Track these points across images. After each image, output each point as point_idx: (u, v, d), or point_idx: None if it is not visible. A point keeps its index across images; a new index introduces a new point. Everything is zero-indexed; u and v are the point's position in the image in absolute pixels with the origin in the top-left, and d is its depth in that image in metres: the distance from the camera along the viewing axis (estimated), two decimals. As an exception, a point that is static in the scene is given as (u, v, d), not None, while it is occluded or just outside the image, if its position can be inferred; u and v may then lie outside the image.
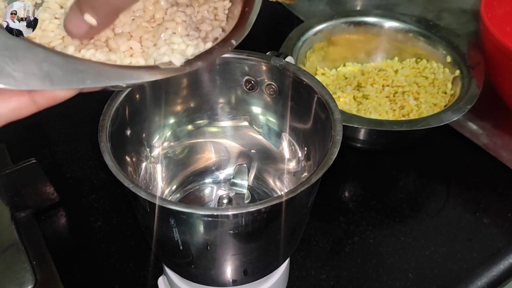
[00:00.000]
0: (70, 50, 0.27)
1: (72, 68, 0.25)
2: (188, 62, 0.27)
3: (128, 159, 0.37)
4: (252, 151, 0.44)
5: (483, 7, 0.56)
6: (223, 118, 0.42)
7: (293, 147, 0.41)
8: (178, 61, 0.27)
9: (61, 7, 0.29)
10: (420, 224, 0.51)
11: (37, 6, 0.29)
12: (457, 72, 0.58)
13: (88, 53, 0.27)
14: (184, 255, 0.34)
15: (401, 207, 0.52)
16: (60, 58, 0.25)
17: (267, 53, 0.41)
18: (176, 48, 0.28)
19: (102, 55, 0.28)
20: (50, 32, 0.28)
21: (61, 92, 0.26)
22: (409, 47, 0.63)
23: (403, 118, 0.57)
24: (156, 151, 0.41)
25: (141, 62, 0.28)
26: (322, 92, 0.36)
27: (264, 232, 0.32)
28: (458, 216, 0.51)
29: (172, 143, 0.42)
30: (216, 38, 0.30)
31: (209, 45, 0.29)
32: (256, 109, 0.41)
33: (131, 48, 0.29)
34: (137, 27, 0.29)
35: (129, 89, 0.35)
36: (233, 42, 0.29)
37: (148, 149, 0.40)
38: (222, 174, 0.44)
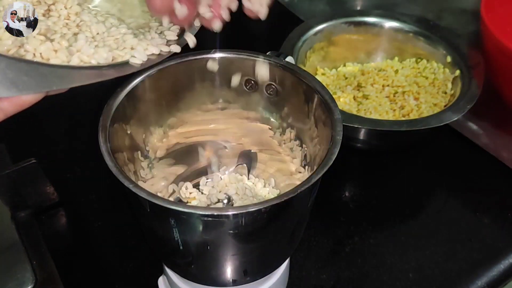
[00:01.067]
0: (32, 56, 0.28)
1: (37, 72, 0.26)
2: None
3: (128, 159, 0.37)
4: (252, 150, 0.44)
5: (483, 7, 0.56)
6: (223, 117, 0.42)
7: (293, 147, 0.41)
8: (138, 60, 0.31)
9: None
10: (420, 224, 0.51)
11: None
12: (457, 72, 0.58)
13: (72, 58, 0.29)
14: (184, 255, 0.34)
15: (401, 207, 0.52)
16: (23, 64, 0.26)
17: (267, 53, 0.40)
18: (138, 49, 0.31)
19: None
20: (6, 40, 0.28)
21: (27, 97, 0.27)
22: (409, 47, 0.63)
23: (403, 118, 0.57)
24: (156, 151, 0.41)
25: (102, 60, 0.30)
26: (322, 92, 0.36)
27: (264, 232, 0.32)
28: (458, 216, 0.51)
29: (172, 143, 0.42)
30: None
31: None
32: (256, 109, 0.41)
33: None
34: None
35: (129, 89, 0.35)
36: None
37: (148, 149, 0.40)
38: (222, 174, 0.44)
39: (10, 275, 0.41)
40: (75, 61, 0.28)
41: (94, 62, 0.29)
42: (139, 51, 0.31)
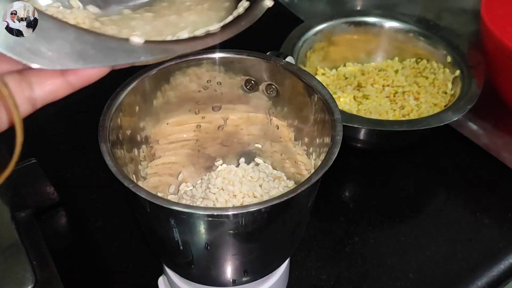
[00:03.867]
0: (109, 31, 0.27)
1: (104, 46, 0.26)
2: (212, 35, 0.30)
3: (128, 159, 0.37)
4: (252, 150, 0.44)
5: (483, 7, 0.56)
6: (223, 117, 0.42)
7: (293, 147, 0.41)
8: (213, 27, 0.29)
9: None
10: (420, 224, 0.51)
11: None
12: (457, 72, 0.58)
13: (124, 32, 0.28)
14: (184, 255, 0.34)
15: (401, 207, 0.52)
16: (91, 37, 0.26)
17: (267, 53, 0.40)
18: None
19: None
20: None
21: (94, 71, 0.26)
22: (409, 47, 0.63)
23: (403, 118, 0.57)
24: (157, 150, 0.41)
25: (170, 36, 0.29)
26: (322, 92, 0.36)
27: (264, 232, 0.32)
28: (458, 216, 0.51)
29: (173, 142, 0.42)
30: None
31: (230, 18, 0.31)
32: (256, 109, 0.41)
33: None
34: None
35: (129, 89, 0.35)
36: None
37: (148, 149, 0.40)
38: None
39: (10, 275, 0.41)
40: (143, 37, 0.28)
41: (160, 38, 0.29)
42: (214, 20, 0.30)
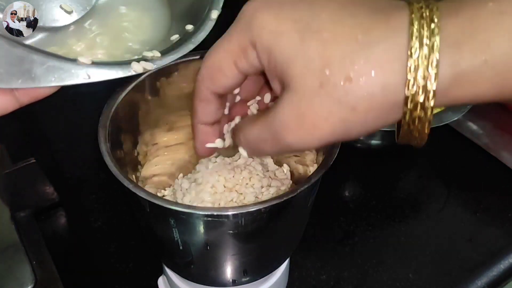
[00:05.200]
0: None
1: (52, 66, 0.26)
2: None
3: (127, 159, 0.36)
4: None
5: (483, 7, 0.56)
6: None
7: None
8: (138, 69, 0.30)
9: None
10: (420, 224, 0.51)
11: None
12: (457, 72, 0.57)
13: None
14: (184, 255, 0.34)
15: (401, 207, 0.52)
16: (40, 56, 0.26)
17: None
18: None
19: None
20: None
21: (42, 90, 0.27)
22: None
23: (403, 118, 0.56)
24: (157, 150, 0.41)
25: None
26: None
27: (264, 232, 0.32)
28: (458, 216, 0.51)
29: (172, 142, 0.42)
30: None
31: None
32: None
33: None
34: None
35: (129, 89, 0.35)
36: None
37: (148, 149, 0.40)
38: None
39: (10, 275, 0.41)
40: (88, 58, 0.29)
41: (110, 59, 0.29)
42: (156, 54, 0.31)
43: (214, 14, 0.33)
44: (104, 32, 0.32)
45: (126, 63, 0.30)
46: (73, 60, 0.27)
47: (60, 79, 0.26)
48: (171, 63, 0.33)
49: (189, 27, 0.33)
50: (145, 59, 0.30)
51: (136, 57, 0.31)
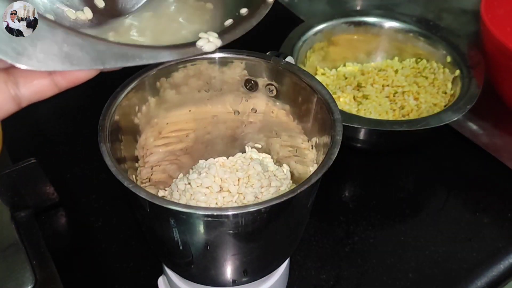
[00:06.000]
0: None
1: (92, 48, 0.26)
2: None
3: (128, 159, 0.37)
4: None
5: (483, 7, 0.56)
6: (223, 117, 0.42)
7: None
8: (211, 47, 0.29)
9: None
10: (420, 224, 0.51)
11: None
12: (457, 72, 0.58)
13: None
14: (184, 255, 0.34)
15: (401, 207, 0.52)
16: (80, 39, 0.25)
17: (267, 53, 0.41)
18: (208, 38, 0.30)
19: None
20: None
21: (81, 73, 0.26)
22: (409, 47, 0.63)
23: (403, 118, 0.57)
24: (157, 150, 0.41)
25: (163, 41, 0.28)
26: (322, 92, 0.36)
27: (264, 232, 0.32)
28: (458, 216, 0.51)
29: (172, 141, 0.42)
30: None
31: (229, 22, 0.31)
32: (256, 109, 0.41)
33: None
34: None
35: (129, 89, 0.35)
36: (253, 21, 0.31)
37: (148, 149, 0.40)
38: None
39: (10, 275, 0.41)
40: (132, 40, 0.28)
41: (150, 43, 0.29)
42: (213, 35, 0.30)
43: None
44: (158, 21, 0.32)
45: (188, 44, 0.29)
46: (115, 43, 0.27)
47: (99, 63, 0.26)
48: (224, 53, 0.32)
49: (244, 10, 0.32)
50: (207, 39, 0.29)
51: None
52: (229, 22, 0.31)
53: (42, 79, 0.26)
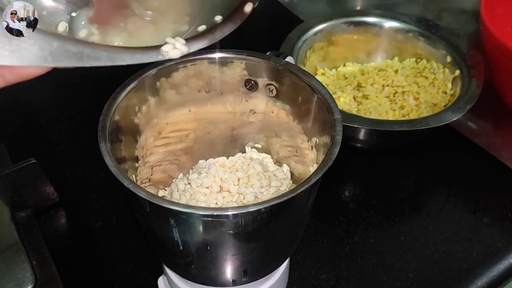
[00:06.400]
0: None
1: (45, 45, 0.24)
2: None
3: (128, 159, 0.37)
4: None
5: (483, 7, 0.56)
6: (224, 117, 0.42)
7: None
8: (175, 54, 0.27)
9: None
10: (420, 224, 0.51)
11: None
12: (457, 72, 0.58)
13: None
14: (184, 255, 0.34)
15: (401, 207, 0.52)
16: (33, 34, 0.24)
17: (267, 53, 0.41)
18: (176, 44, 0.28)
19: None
20: None
21: (30, 69, 0.25)
22: (409, 47, 0.63)
23: (403, 118, 0.57)
24: (156, 151, 0.41)
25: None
26: (322, 92, 0.36)
27: (264, 232, 0.32)
28: (458, 216, 0.51)
29: (172, 142, 0.42)
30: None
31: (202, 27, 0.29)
32: (256, 109, 0.41)
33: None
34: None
35: (129, 89, 0.35)
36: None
37: (147, 149, 0.40)
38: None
39: (10, 275, 0.41)
40: (90, 38, 0.27)
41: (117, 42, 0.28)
42: (180, 41, 0.29)
43: (248, 7, 0.30)
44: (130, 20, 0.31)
45: (152, 48, 0.28)
46: (69, 38, 0.26)
47: (53, 60, 0.25)
48: (191, 57, 0.30)
49: (218, 18, 0.31)
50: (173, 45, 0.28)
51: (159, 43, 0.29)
52: (202, 28, 0.30)
53: None
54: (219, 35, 0.30)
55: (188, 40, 0.29)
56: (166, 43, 0.28)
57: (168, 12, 0.32)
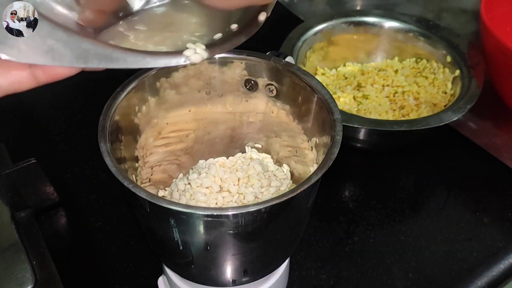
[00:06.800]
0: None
1: (76, 46, 0.25)
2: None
3: (128, 159, 0.37)
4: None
5: (483, 7, 0.56)
6: (224, 117, 0.42)
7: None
8: (197, 59, 0.28)
9: None
10: (420, 224, 0.51)
11: None
12: (457, 72, 0.58)
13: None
14: (184, 255, 0.34)
15: (401, 207, 0.52)
16: (65, 35, 0.25)
17: (267, 53, 0.41)
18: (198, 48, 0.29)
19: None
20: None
21: (62, 69, 0.26)
22: (409, 47, 0.63)
23: (403, 118, 0.57)
24: (156, 151, 0.41)
25: (150, 47, 0.28)
26: (322, 92, 0.36)
27: (264, 232, 0.32)
28: (458, 216, 0.51)
29: (172, 142, 0.42)
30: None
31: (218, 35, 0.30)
32: (256, 109, 0.41)
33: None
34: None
35: (129, 89, 0.35)
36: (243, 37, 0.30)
37: (147, 149, 0.40)
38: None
39: (10, 275, 0.41)
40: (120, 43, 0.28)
41: (141, 48, 0.28)
42: (200, 47, 0.30)
43: (262, 17, 0.31)
44: (150, 27, 0.32)
45: (175, 53, 0.29)
46: (100, 43, 0.26)
47: (82, 61, 0.25)
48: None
49: (234, 26, 0.32)
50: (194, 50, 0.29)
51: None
52: (218, 36, 0.31)
53: (21, 70, 0.25)
54: (235, 42, 0.31)
55: (207, 46, 0.30)
56: (187, 48, 0.29)
57: (187, 23, 0.33)
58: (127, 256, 0.47)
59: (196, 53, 0.29)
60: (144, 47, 0.30)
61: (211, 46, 0.30)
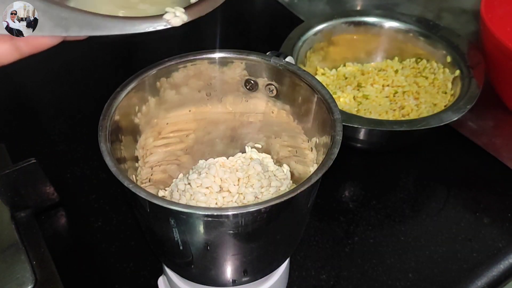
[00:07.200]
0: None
1: (55, 14, 0.25)
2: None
3: (128, 159, 0.37)
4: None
5: (483, 7, 0.56)
6: (224, 117, 0.42)
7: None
8: (177, 22, 0.28)
9: None
10: (420, 224, 0.51)
11: None
12: (457, 72, 0.58)
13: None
14: (184, 255, 0.34)
15: (401, 207, 0.52)
16: (42, 4, 0.25)
17: (267, 53, 0.41)
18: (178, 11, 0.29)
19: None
20: None
21: (44, 39, 0.26)
22: (409, 47, 0.63)
23: (403, 118, 0.57)
24: (156, 151, 0.41)
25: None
26: (322, 92, 0.36)
27: (264, 232, 0.32)
28: (458, 216, 0.51)
29: (172, 142, 0.42)
30: None
31: None
32: (256, 109, 0.41)
33: None
34: None
35: (129, 89, 0.35)
36: None
37: (148, 149, 0.40)
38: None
39: (10, 275, 0.41)
40: (99, 9, 0.28)
41: (120, 14, 0.28)
42: (179, 10, 0.29)
43: None
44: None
45: (155, 17, 0.28)
46: (79, 10, 0.26)
47: (62, 29, 0.25)
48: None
49: None
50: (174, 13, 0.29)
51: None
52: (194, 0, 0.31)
53: (3, 43, 0.25)
54: (215, 3, 0.30)
55: (186, 8, 0.30)
56: (166, 12, 0.29)
57: None
58: (127, 256, 0.47)
59: (176, 16, 0.29)
60: (125, 13, 0.30)
61: (190, 8, 0.30)
